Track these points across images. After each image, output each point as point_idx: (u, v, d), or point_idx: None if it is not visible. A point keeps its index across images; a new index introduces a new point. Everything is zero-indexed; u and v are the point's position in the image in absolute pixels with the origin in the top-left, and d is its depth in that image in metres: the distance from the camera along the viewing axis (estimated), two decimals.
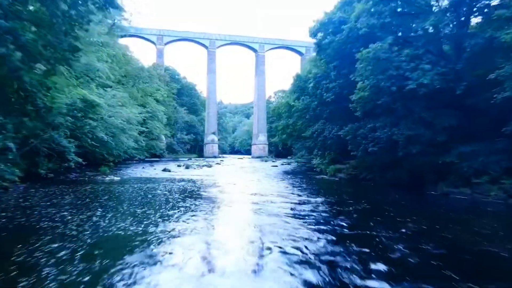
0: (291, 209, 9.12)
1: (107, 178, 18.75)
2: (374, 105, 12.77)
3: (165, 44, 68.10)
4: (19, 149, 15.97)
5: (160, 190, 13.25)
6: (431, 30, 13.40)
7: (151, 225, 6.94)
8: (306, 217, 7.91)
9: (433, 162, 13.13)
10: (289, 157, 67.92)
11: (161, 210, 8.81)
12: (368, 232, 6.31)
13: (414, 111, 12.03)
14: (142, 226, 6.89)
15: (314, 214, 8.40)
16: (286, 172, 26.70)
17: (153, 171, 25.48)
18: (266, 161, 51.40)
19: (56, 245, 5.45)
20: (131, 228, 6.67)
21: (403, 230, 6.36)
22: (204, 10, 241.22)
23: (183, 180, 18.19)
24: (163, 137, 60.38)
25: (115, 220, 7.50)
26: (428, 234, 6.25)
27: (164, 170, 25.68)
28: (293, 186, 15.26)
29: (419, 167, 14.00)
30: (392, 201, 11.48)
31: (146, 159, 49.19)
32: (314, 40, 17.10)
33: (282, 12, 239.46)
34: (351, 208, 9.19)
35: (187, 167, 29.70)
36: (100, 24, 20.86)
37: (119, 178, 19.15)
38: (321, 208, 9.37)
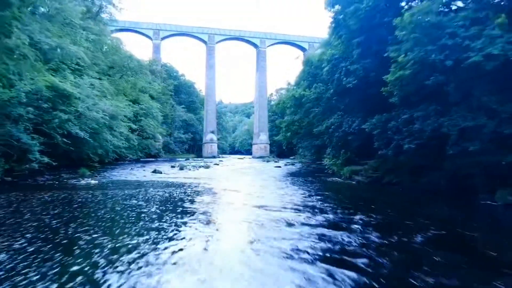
0: (322, 240, 6.04)
1: (83, 182, 15.75)
2: (417, 88, 9.72)
3: (162, 39, 65.13)
4: None
5: (137, 200, 10.21)
6: None
7: (81, 278, 3.89)
8: (358, 264, 4.83)
9: (491, 162, 10.08)
10: (291, 157, 65.09)
11: (119, 238, 5.76)
12: None
13: (472, 94, 9.01)
14: (64, 278, 3.85)
15: (367, 252, 5.30)
16: (293, 174, 23.66)
17: (142, 172, 22.47)
18: (268, 161, 48.43)
19: None
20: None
21: None
22: (203, 8, 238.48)
23: (172, 184, 15.16)
24: (159, 136, 57.47)
25: (32, 258, 4.48)
26: None
27: (155, 171, 22.67)
28: (307, 194, 12.21)
29: (467, 169, 10.96)
30: (462, 217, 8.35)
31: (141, 159, 46.28)
32: (330, 13, 13.95)
33: (281, 12, 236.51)
34: (419, 238, 6.01)
35: (181, 168, 26.70)
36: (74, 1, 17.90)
37: (96, 181, 16.13)
38: (368, 234, 6.27)
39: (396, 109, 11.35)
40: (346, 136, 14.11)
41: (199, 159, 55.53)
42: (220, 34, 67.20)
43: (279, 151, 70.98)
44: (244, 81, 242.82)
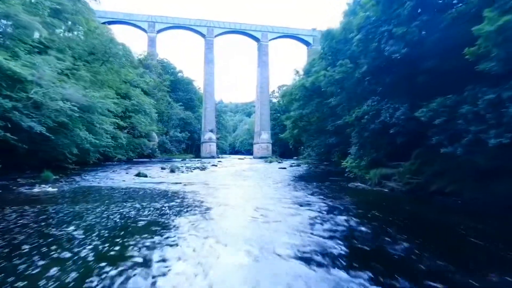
0: None
1: (35, 190, 12.10)
2: None
3: (158, 32, 61.33)
4: None
5: (77, 226, 6.47)
6: None
7: None
8: None
9: None
10: (295, 157, 61.42)
11: None
12: None
13: None
14: None
15: None
16: (303, 178, 19.96)
17: (124, 176, 18.75)
18: (270, 162, 44.79)
19: None
20: None
21: None
22: (201, 2, 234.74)
23: (150, 195, 11.46)
24: (154, 135, 53.96)
25: None
26: None
27: (138, 175, 18.97)
28: (335, 211, 8.48)
29: None
30: None
31: (133, 159, 42.66)
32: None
33: (282, 6, 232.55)
34: None
35: (173, 170, 22.96)
36: None
37: (55, 190, 12.46)
38: None
39: (471, 86, 7.61)
40: (387, 129, 10.30)
41: (197, 159, 51.92)
42: (220, 27, 63.34)
43: (281, 151, 67.32)
44: (245, 80, 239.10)
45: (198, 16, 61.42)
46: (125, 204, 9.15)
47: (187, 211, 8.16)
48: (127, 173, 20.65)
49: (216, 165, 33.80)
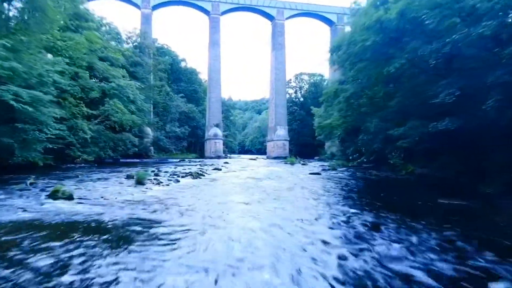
0: None
1: None
2: None
3: (153, 8, 51.74)
4: None
5: None
6: None
7: None
8: None
9: None
10: (315, 157, 51.43)
11: None
12: None
13: None
14: None
15: None
16: (382, 201, 9.91)
17: (21, 199, 9.01)
18: (292, 163, 34.61)
19: None
20: None
21: None
22: None
23: None
24: (149, 130, 44.46)
25: None
26: None
27: (55, 196, 9.16)
28: None
29: None
30: None
31: (120, 159, 33.35)
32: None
33: None
34: None
35: (140, 181, 13.01)
36: None
37: None
38: None
39: None
40: None
41: (199, 160, 42.21)
42: (226, 2, 53.36)
43: (297, 149, 57.26)
44: (255, 74, 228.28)
45: None
46: None
47: None
48: (43, 190, 10.83)
49: (220, 169, 23.93)
